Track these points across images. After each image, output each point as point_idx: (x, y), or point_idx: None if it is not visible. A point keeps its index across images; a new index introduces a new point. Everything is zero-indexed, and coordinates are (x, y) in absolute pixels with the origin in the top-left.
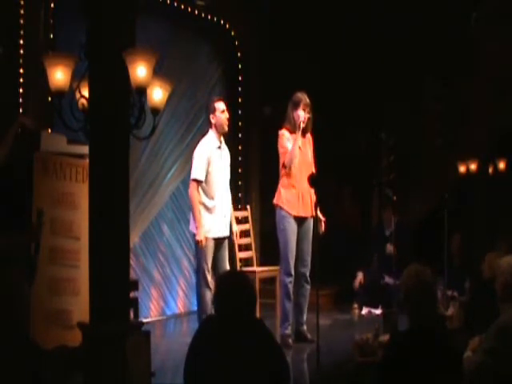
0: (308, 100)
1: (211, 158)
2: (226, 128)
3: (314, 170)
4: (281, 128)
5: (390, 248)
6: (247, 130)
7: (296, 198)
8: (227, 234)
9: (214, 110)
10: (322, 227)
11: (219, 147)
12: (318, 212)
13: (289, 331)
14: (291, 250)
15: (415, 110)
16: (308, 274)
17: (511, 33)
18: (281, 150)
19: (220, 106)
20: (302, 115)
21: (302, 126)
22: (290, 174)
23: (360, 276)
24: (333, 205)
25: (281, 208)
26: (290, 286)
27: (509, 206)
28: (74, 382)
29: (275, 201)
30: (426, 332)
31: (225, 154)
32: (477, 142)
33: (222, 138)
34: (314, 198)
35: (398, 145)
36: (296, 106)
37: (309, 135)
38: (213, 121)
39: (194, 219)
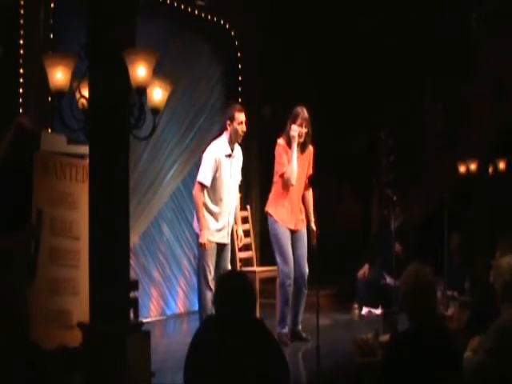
0: (306, 114)
1: (220, 164)
2: (240, 140)
3: (306, 183)
4: (279, 137)
5: (398, 247)
6: (247, 130)
7: (285, 210)
8: (229, 241)
9: (232, 118)
10: (314, 239)
11: (230, 155)
12: (313, 224)
13: (286, 330)
14: (287, 252)
15: (415, 109)
16: (306, 277)
17: (511, 33)
18: (277, 159)
19: (240, 116)
20: (295, 129)
21: (300, 140)
22: (281, 184)
23: (366, 268)
24: (333, 205)
25: (271, 215)
26: (289, 290)
27: (509, 206)
28: (73, 382)
29: (266, 207)
30: (426, 332)
31: (235, 162)
32: (477, 142)
33: (234, 145)
34: (309, 210)
35: (398, 145)
36: (294, 119)
37: (310, 148)
38: (228, 128)
39: (198, 221)
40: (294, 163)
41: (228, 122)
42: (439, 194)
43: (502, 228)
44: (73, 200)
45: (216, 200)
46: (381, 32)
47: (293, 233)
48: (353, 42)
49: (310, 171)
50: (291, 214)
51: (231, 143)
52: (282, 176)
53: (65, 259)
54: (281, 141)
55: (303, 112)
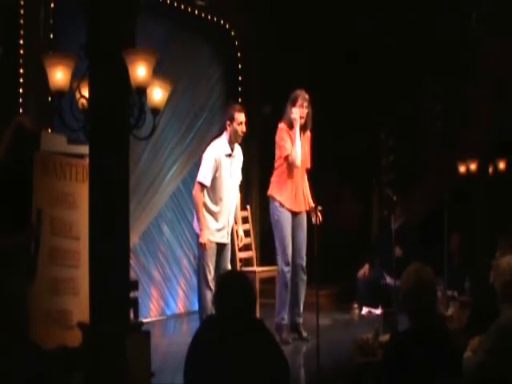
0: (306, 96)
1: (220, 164)
2: (240, 140)
3: (308, 166)
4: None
5: (398, 251)
6: (247, 130)
7: (289, 192)
8: (229, 241)
9: (232, 119)
10: (319, 216)
11: (230, 155)
12: (311, 201)
13: (286, 321)
14: (287, 239)
15: (415, 109)
16: (304, 264)
17: (511, 33)
18: (280, 143)
19: (240, 117)
20: (296, 111)
21: (301, 122)
22: (285, 167)
23: (366, 268)
24: (333, 205)
25: (274, 199)
26: (288, 276)
27: (509, 206)
28: (74, 382)
29: (269, 191)
30: (426, 332)
31: (235, 162)
32: (477, 142)
33: (235, 145)
34: (307, 192)
35: (398, 145)
36: (293, 101)
37: (308, 133)
38: (228, 128)
39: (198, 221)
40: (297, 145)
41: (228, 123)
42: (439, 194)
43: (502, 228)
44: (73, 200)
45: (216, 200)
46: (381, 32)
47: (294, 216)
48: (353, 41)
49: (309, 159)
50: (295, 197)
51: (231, 143)
52: (286, 159)
53: (65, 259)
54: (282, 125)
55: (303, 93)
